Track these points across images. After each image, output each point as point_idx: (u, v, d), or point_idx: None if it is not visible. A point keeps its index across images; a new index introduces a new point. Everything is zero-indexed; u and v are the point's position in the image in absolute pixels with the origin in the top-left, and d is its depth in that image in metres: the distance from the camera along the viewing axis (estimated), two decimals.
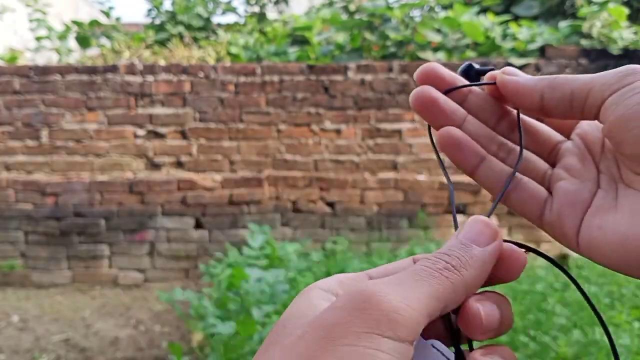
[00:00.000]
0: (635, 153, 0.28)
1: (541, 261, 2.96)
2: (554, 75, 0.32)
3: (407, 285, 0.25)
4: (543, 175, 0.34)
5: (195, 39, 4.25)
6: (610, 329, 2.02)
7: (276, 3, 5.07)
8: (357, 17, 3.98)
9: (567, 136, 0.34)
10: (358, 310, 0.23)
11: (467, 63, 0.35)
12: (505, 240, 0.29)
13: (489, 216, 0.30)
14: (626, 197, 0.29)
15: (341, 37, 3.86)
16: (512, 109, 0.35)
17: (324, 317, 0.24)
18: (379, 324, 0.23)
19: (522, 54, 3.41)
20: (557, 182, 0.33)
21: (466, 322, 0.27)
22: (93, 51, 4.15)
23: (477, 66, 0.35)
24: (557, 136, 0.35)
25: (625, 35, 3.34)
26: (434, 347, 0.28)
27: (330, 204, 3.34)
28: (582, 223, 0.30)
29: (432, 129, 0.35)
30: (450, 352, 0.28)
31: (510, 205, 0.33)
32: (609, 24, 3.39)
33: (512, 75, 0.33)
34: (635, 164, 0.29)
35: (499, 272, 0.29)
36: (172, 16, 4.46)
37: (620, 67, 0.30)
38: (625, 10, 3.39)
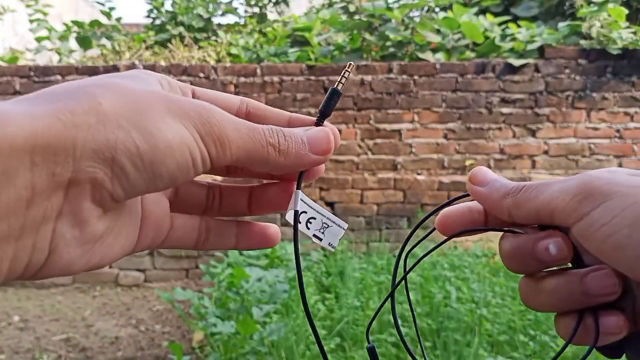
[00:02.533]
0: (632, 277, 0.28)
1: None
2: (520, 187, 0.32)
3: (241, 129, 0.28)
4: None
5: (196, 40, 4.25)
6: None
7: (276, 4, 5.07)
8: (356, 18, 3.99)
9: None
10: (196, 112, 0.27)
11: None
12: None
13: None
14: None
15: (341, 38, 3.87)
16: None
17: (174, 97, 0.27)
18: (207, 133, 0.27)
19: (522, 54, 3.42)
20: None
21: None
22: (93, 52, 4.16)
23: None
24: None
25: (624, 35, 3.35)
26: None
27: (330, 204, 3.35)
28: None
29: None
30: (301, 193, 0.34)
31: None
32: (608, 24, 3.39)
33: (478, 185, 0.34)
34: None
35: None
36: (173, 17, 4.47)
37: (577, 183, 0.29)
38: (625, 11, 3.39)
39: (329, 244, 0.35)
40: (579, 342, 0.31)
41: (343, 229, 0.35)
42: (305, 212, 0.34)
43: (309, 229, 0.34)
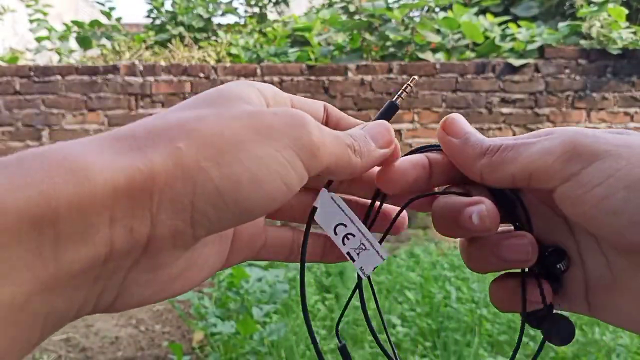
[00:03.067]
0: (618, 247, 0.27)
1: None
2: (497, 147, 0.30)
3: (331, 136, 0.27)
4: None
5: (196, 40, 4.25)
6: (610, 329, 2.02)
7: (276, 4, 5.08)
8: (356, 18, 3.99)
9: None
10: (292, 127, 0.25)
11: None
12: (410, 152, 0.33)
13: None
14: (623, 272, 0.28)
15: (341, 38, 3.87)
16: None
17: (262, 115, 0.25)
18: (301, 146, 0.25)
19: (521, 54, 3.42)
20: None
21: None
22: (94, 52, 4.16)
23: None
24: None
25: (624, 35, 3.35)
26: (332, 198, 0.32)
27: None
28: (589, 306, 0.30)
29: None
30: (343, 203, 0.32)
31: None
32: (608, 24, 3.39)
33: (452, 136, 0.31)
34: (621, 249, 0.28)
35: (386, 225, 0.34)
36: (173, 17, 4.47)
37: (559, 142, 0.27)
38: (625, 11, 3.39)
39: (361, 269, 0.32)
40: (510, 309, 0.31)
41: (382, 258, 0.32)
42: (345, 226, 0.31)
43: (344, 244, 0.31)
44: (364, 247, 0.32)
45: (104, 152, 0.22)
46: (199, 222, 0.23)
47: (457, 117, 0.32)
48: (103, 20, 4.31)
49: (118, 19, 4.35)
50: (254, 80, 3.29)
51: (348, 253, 0.31)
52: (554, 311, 0.31)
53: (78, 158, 0.21)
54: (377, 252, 0.32)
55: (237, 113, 0.25)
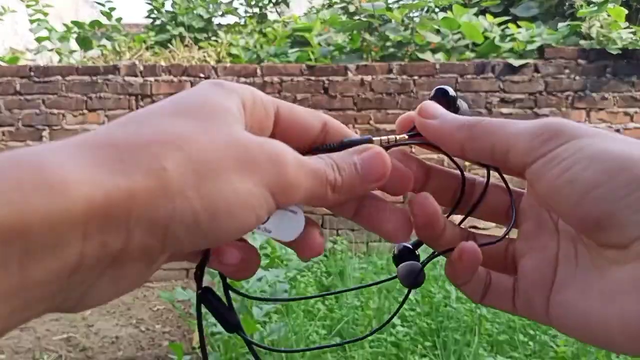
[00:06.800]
0: (575, 224, 0.27)
1: None
2: (477, 121, 0.30)
3: (307, 172, 0.26)
4: (505, 250, 0.32)
5: (196, 40, 4.26)
6: None
7: (276, 4, 5.08)
8: (356, 18, 3.99)
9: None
10: (270, 162, 0.25)
11: (440, 88, 0.33)
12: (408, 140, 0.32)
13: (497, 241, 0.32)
14: (583, 266, 0.28)
15: (341, 38, 3.87)
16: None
17: (248, 146, 0.25)
18: (275, 184, 0.25)
19: (521, 54, 3.42)
20: (519, 260, 0.31)
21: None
22: (94, 52, 4.16)
23: (451, 92, 0.33)
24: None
25: (624, 35, 3.35)
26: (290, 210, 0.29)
27: None
28: (549, 302, 0.29)
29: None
30: (300, 211, 0.29)
31: (484, 302, 0.32)
32: (608, 25, 3.40)
33: (430, 118, 0.31)
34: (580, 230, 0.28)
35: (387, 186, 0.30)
36: (173, 17, 4.47)
37: (544, 124, 0.27)
38: (624, 11, 3.39)
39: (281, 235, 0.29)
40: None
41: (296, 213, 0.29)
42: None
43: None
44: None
45: (83, 162, 0.21)
46: (171, 243, 0.23)
47: (431, 102, 0.32)
48: (103, 20, 4.32)
49: (118, 20, 4.35)
50: (253, 79, 3.29)
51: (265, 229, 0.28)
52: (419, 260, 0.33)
53: (55, 170, 0.20)
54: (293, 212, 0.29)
55: (224, 138, 0.24)
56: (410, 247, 0.34)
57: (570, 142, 0.26)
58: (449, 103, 0.32)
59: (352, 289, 0.40)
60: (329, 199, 0.28)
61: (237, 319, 0.30)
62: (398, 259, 0.34)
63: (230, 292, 0.32)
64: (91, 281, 0.23)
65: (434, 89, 0.33)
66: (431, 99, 0.33)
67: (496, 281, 0.31)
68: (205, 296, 0.30)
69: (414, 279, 0.32)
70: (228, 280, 0.32)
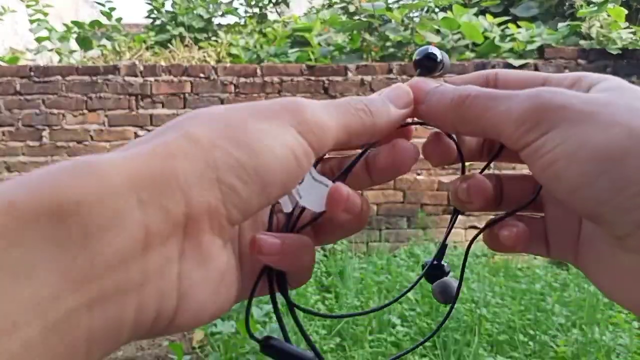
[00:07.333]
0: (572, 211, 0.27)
1: (540, 260, 2.96)
2: (463, 98, 0.29)
3: (330, 110, 0.28)
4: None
5: (196, 40, 4.26)
6: (610, 329, 2.02)
7: (276, 4, 5.08)
8: (356, 18, 3.99)
9: None
10: (286, 109, 0.26)
11: (426, 55, 0.33)
12: (416, 123, 0.33)
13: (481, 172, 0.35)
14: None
15: (341, 38, 3.87)
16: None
17: (259, 103, 0.26)
18: (297, 124, 0.26)
19: (521, 54, 3.42)
20: (546, 205, 0.33)
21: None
22: (94, 52, 4.17)
23: (438, 56, 0.33)
24: None
25: (624, 35, 3.35)
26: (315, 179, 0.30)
27: None
28: (577, 250, 0.31)
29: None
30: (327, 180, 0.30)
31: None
32: (608, 24, 3.40)
33: (417, 103, 0.32)
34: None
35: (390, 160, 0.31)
36: (173, 17, 4.48)
37: (530, 105, 0.27)
38: (624, 11, 3.40)
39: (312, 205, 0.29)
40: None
41: (326, 185, 0.29)
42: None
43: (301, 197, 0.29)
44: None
45: (115, 152, 0.22)
46: (230, 198, 0.23)
47: (415, 84, 0.32)
48: (103, 20, 4.32)
49: (118, 20, 4.35)
50: (253, 79, 3.30)
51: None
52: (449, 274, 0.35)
53: (88, 157, 0.21)
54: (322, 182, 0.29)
55: (240, 105, 0.26)
56: (439, 262, 0.36)
57: (554, 130, 0.26)
58: (436, 66, 0.33)
59: (389, 304, 0.39)
60: (370, 125, 0.29)
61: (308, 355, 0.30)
62: (432, 277, 0.35)
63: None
64: (174, 261, 0.22)
65: (418, 52, 0.33)
66: (417, 63, 0.33)
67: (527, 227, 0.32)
68: (268, 343, 0.30)
69: (451, 296, 0.34)
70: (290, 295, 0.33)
